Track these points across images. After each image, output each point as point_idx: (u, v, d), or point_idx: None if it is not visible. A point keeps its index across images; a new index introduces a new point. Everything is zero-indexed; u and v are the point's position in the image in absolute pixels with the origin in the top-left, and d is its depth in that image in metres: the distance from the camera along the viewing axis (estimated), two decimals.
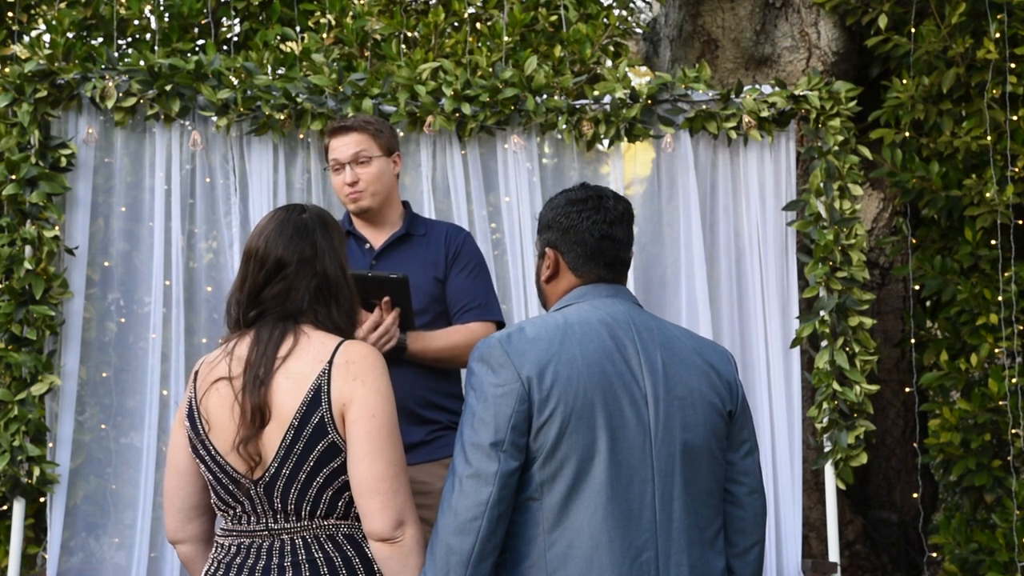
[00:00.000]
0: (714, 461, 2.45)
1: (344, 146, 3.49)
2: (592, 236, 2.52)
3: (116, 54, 4.63)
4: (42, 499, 4.27)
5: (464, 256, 3.53)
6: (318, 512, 2.40)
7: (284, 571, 2.37)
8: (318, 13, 5.34)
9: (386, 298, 3.24)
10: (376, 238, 3.53)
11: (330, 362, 2.38)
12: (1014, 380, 4.87)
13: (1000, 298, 4.96)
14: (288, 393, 2.37)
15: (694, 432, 2.42)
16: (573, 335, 2.39)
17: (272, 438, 2.37)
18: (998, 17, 4.99)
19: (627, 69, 4.74)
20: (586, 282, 2.53)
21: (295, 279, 2.46)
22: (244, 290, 2.48)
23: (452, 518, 2.29)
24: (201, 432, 2.44)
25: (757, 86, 4.77)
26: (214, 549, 2.49)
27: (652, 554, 2.34)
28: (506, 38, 5.01)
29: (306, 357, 2.40)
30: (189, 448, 2.48)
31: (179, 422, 2.52)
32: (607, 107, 4.60)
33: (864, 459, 4.49)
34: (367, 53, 5.13)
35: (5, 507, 4.32)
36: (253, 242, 2.50)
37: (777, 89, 4.66)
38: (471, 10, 5.27)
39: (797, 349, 4.61)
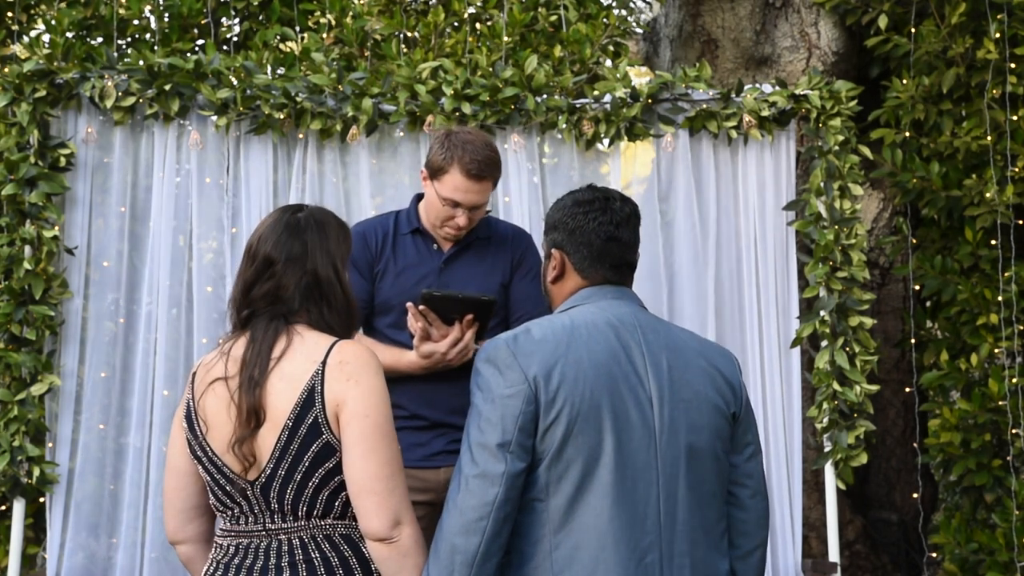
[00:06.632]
0: (718, 463, 2.45)
1: (475, 193, 3.38)
2: (598, 238, 2.52)
3: (116, 54, 4.62)
4: (42, 499, 4.27)
5: (528, 262, 3.57)
6: (314, 512, 2.39)
7: (281, 571, 2.37)
8: (318, 13, 5.33)
9: (469, 316, 3.29)
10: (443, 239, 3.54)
11: (323, 362, 2.38)
12: (1014, 380, 4.87)
13: (1000, 298, 4.95)
14: (282, 394, 2.37)
15: (699, 434, 2.42)
16: (579, 337, 2.39)
17: (267, 439, 2.37)
18: (998, 17, 4.98)
19: (627, 68, 4.73)
20: (592, 283, 2.53)
21: (283, 277, 2.45)
22: (238, 288, 2.49)
23: (458, 517, 2.29)
24: (199, 433, 2.44)
25: (757, 85, 4.76)
26: (213, 550, 2.49)
27: (656, 556, 2.34)
28: (506, 38, 5.00)
29: (299, 358, 2.39)
30: (188, 449, 2.48)
31: (178, 423, 2.52)
32: (607, 106, 4.59)
33: (864, 459, 4.49)
34: (367, 53, 5.12)
35: (5, 507, 4.32)
36: (249, 240, 2.53)
37: (778, 88, 4.65)
38: (471, 10, 5.26)
39: (797, 349, 4.60)
